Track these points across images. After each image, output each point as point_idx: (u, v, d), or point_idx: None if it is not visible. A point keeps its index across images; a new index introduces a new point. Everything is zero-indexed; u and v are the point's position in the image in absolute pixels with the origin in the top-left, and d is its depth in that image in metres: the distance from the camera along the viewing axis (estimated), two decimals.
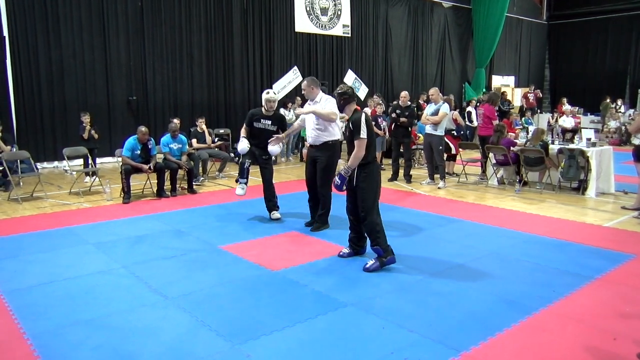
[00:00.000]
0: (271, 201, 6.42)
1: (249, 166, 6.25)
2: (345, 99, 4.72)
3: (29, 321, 3.56)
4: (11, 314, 3.70)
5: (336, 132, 5.86)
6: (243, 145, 6.13)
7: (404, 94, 9.25)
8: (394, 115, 9.04)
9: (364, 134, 4.48)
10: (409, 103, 9.22)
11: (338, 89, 4.85)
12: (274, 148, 6.17)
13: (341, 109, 4.80)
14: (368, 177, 4.59)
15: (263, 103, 6.25)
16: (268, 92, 6.34)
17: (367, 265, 4.59)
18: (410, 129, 9.15)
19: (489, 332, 3.39)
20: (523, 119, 14.76)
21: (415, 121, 9.76)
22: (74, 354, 3.14)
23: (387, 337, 3.34)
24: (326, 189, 5.77)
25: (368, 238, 4.75)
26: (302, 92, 6.00)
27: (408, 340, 3.29)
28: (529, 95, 18.59)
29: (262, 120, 6.22)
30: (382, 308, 3.78)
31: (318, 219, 5.95)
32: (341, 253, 4.99)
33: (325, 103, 5.70)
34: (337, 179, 4.66)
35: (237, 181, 6.36)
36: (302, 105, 9.05)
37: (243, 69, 13.78)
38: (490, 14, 19.10)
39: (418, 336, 3.34)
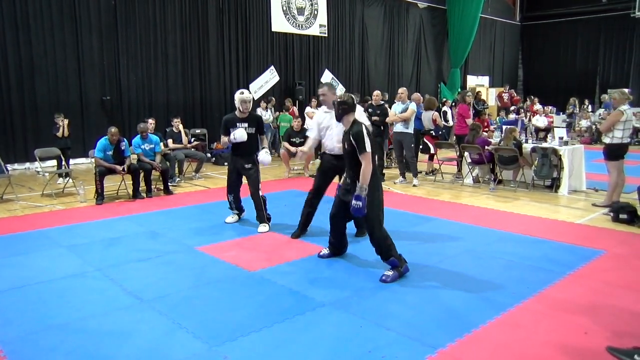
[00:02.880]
0: (257, 213, 5.93)
1: (234, 199, 6.11)
2: (344, 108, 4.42)
3: None
4: None
5: None
6: (240, 133, 5.73)
7: (376, 93, 9.42)
8: (366, 114, 9.14)
9: (368, 147, 4.22)
10: (382, 102, 9.34)
11: (338, 97, 4.59)
12: (266, 157, 5.75)
13: (339, 118, 4.51)
14: (370, 190, 4.30)
15: (237, 105, 5.85)
16: (242, 92, 5.92)
17: (384, 277, 4.31)
18: (383, 127, 9.23)
19: (464, 328, 3.44)
20: (497, 118, 15.01)
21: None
22: (48, 359, 3.08)
23: (365, 335, 3.36)
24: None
25: (379, 254, 4.44)
26: (319, 97, 5.52)
27: (385, 338, 3.32)
28: (503, 95, 18.89)
29: (238, 124, 5.84)
30: (360, 307, 3.80)
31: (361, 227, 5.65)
32: (321, 254, 4.99)
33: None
34: (356, 202, 4.22)
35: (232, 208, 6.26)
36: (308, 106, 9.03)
37: (219, 69, 13.67)
38: (464, 15, 19.35)
39: (395, 334, 3.36)
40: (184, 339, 3.33)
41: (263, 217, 5.92)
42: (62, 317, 3.64)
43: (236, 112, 5.93)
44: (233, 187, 6.07)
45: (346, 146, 4.41)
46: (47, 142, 9.14)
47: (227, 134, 5.82)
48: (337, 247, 4.96)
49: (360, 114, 4.89)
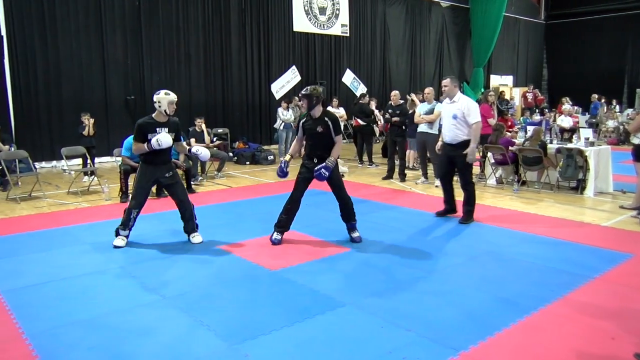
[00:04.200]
0: (189, 222, 5.46)
1: (137, 215, 5.29)
2: (316, 99, 5.19)
3: (27, 321, 3.56)
4: (10, 313, 3.69)
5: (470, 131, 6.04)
6: (165, 138, 5.10)
7: (394, 93, 9.49)
8: (387, 115, 9.24)
9: (341, 130, 5.21)
10: (400, 102, 9.34)
11: (305, 90, 5.28)
12: (205, 151, 5.57)
13: (311, 108, 5.23)
14: (336, 168, 5.38)
15: (164, 107, 5.17)
16: (169, 93, 5.25)
17: (357, 238, 5.42)
18: (404, 127, 9.22)
19: (487, 331, 3.39)
20: (521, 118, 14.78)
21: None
22: (71, 354, 3.13)
23: (385, 336, 3.33)
24: (471, 186, 6.20)
25: (350, 215, 5.45)
26: (443, 89, 6.21)
27: (406, 339, 3.29)
28: (527, 94, 18.60)
29: (158, 129, 5.16)
30: (380, 307, 3.77)
31: (466, 214, 6.22)
32: (274, 240, 5.33)
33: (470, 104, 6.04)
34: (324, 171, 5.10)
35: (117, 233, 5.30)
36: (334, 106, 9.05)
37: (241, 69, 13.76)
38: (488, 14, 19.12)
39: (416, 335, 3.34)
40: (205, 336, 3.35)
41: (196, 225, 5.50)
42: (85, 313, 3.70)
43: (154, 116, 5.23)
44: (143, 202, 5.31)
45: (320, 129, 5.18)
46: (73, 141, 9.31)
47: (144, 140, 5.11)
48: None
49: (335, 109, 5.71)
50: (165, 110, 5.20)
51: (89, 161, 9.10)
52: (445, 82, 6.22)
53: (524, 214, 6.75)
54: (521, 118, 14.76)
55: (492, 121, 9.27)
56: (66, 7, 10.78)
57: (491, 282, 4.30)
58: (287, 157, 5.42)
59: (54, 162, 10.95)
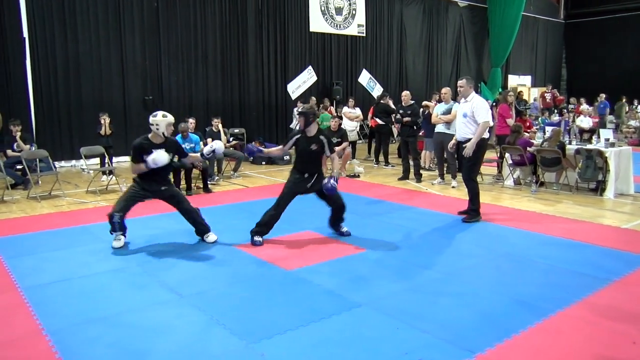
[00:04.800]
0: (201, 225, 5.49)
1: (121, 219, 5.19)
2: (313, 117, 5.39)
3: (47, 317, 3.61)
4: (30, 310, 3.76)
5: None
6: (161, 156, 5.12)
7: (405, 93, 9.51)
8: (398, 116, 9.23)
9: (334, 149, 5.49)
10: (411, 102, 9.34)
11: (301, 108, 5.55)
12: (217, 144, 5.55)
13: (307, 125, 5.37)
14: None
15: (162, 129, 5.18)
16: (166, 115, 5.22)
17: (347, 232, 5.66)
18: (415, 127, 9.20)
19: (503, 333, 3.36)
20: (540, 119, 14.60)
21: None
22: (90, 350, 3.17)
23: (401, 337, 3.32)
24: (471, 183, 6.31)
25: (340, 221, 5.69)
26: (458, 89, 6.39)
27: (422, 341, 3.28)
28: (545, 95, 18.38)
29: (153, 150, 5.15)
30: (396, 308, 3.76)
31: (471, 212, 6.32)
32: (257, 242, 5.34)
33: (479, 103, 6.19)
34: (333, 182, 5.24)
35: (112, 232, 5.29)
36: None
37: (257, 69, 13.82)
38: (506, 13, 18.94)
39: (431, 337, 3.32)
40: (222, 335, 3.37)
41: (207, 226, 5.51)
42: (103, 311, 3.75)
43: (150, 137, 5.23)
44: (129, 209, 5.27)
45: (315, 147, 5.34)
46: (92, 141, 9.43)
47: (140, 160, 5.14)
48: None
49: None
50: (163, 133, 5.21)
51: (107, 160, 9.22)
52: (461, 82, 6.37)
53: (542, 215, 6.67)
54: (539, 118, 14.58)
55: (511, 121, 9.19)
56: (86, 9, 10.93)
57: (508, 284, 4.26)
58: (266, 151, 5.89)
59: (73, 162, 11.11)
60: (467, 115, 6.24)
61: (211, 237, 5.50)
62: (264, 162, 11.53)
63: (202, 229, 5.50)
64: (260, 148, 5.74)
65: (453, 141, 6.65)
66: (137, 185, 5.31)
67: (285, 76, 14.26)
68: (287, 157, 11.59)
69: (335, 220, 5.69)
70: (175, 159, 5.63)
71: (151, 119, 5.22)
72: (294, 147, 5.54)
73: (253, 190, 8.46)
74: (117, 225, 5.18)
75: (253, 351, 3.16)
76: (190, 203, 5.51)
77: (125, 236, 5.34)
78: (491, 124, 10.19)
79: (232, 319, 3.60)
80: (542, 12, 22.32)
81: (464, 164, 6.44)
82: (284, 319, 3.58)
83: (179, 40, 12.29)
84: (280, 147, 5.83)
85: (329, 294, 4.05)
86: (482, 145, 6.24)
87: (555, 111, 16.61)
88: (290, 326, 3.47)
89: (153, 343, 3.26)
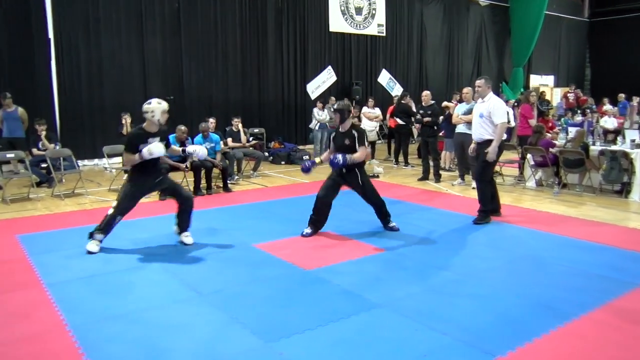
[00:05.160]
0: (188, 222, 5.44)
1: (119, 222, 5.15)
2: (348, 113, 5.60)
3: (70, 313, 3.68)
4: (54, 305, 3.83)
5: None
6: (157, 147, 5.00)
7: (426, 93, 9.52)
8: (418, 116, 9.19)
9: (364, 143, 5.61)
10: (432, 102, 9.30)
11: (337, 105, 5.67)
12: (201, 150, 5.54)
13: (342, 122, 5.60)
14: (365, 174, 5.79)
15: (157, 116, 5.07)
16: (161, 102, 5.17)
17: (392, 225, 5.84)
18: (436, 127, 9.15)
19: (525, 337, 3.31)
20: (562, 119, 14.38)
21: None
22: (111, 347, 3.22)
23: (420, 339, 3.30)
24: (483, 183, 6.26)
25: (386, 216, 5.86)
26: (476, 89, 6.35)
27: (441, 343, 3.25)
28: (568, 95, 18.09)
29: (149, 140, 5.05)
30: (415, 310, 3.74)
31: (480, 214, 6.25)
32: (304, 233, 5.64)
33: (496, 103, 6.14)
34: (340, 157, 5.44)
35: (91, 236, 5.10)
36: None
37: (277, 69, 13.87)
38: (528, 12, 18.68)
39: (451, 339, 3.29)
40: (240, 333, 3.39)
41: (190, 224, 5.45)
42: (124, 308, 3.80)
43: (145, 126, 5.12)
44: (129, 210, 5.21)
45: (348, 142, 5.55)
46: (114, 140, 9.57)
47: (135, 151, 4.98)
48: (318, 224, 5.76)
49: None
50: (158, 120, 5.08)
51: None
52: (479, 82, 6.33)
53: (564, 217, 6.57)
54: (562, 119, 14.35)
55: (533, 122, 9.07)
56: (109, 9, 11.09)
57: (530, 287, 4.20)
58: (318, 159, 5.90)
59: (96, 160, 11.27)
60: (484, 115, 6.19)
61: (189, 238, 5.38)
62: (283, 162, 11.57)
63: (187, 224, 5.40)
64: (314, 160, 5.88)
65: (473, 145, 6.56)
66: (131, 184, 5.16)
67: (304, 76, 14.28)
68: (306, 157, 11.62)
69: (380, 216, 5.89)
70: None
71: (145, 107, 5.09)
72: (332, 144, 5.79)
73: (272, 190, 8.50)
74: (109, 228, 5.09)
75: (272, 350, 3.17)
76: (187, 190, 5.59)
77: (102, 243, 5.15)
78: (512, 124, 10.01)
79: (251, 317, 3.62)
80: (565, 10, 21.96)
81: (478, 163, 6.38)
82: (303, 319, 3.59)
83: (199, 40, 12.40)
84: (328, 150, 5.95)
85: (347, 294, 4.05)
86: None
87: (579, 111, 16.33)
88: (309, 326, 3.47)
89: (173, 341, 3.29)
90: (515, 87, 19.26)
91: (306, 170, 5.79)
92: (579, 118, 14.32)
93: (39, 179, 8.45)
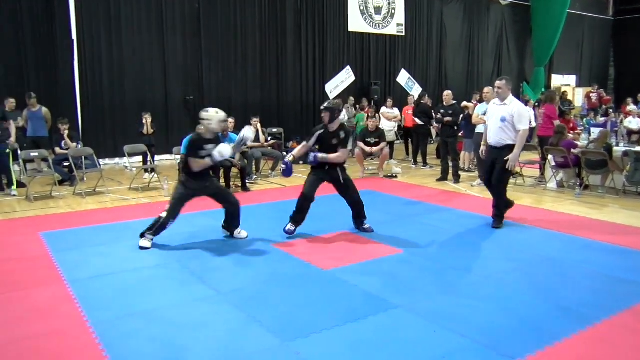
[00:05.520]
0: (237, 221, 5.61)
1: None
2: (338, 112, 5.64)
3: (91, 310, 3.73)
4: (76, 302, 3.89)
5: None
6: (226, 148, 5.27)
7: (447, 93, 9.37)
8: (439, 115, 9.11)
9: (346, 145, 5.64)
10: (453, 102, 9.20)
11: (327, 103, 5.69)
12: (225, 148, 5.33)
13: (332, 121, 5.58)
14: (346, 171, 5.78)
15: (214, 125, 5.28)
16: (218, 112, 5.33)
17: (366, 227, 5.79)
18: (456, 127, 9.07)
19: (546, 340, 3.27)
20: (584, 119, 14.16)
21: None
22: (131, 344, 3.26)
23: (438, 341, 3.28)
24: (501, 187, 6.01)
25: (362, 217, 5.84)
26: (496, 90, 5.98)
27: (459, 345, 3.22)
28: (591, 95, 17.79)
29: (205, 146, 5.27)
30: (433, 311, 3.71)
31: (496, 219, 6.05)
32: (287, 229, 5.64)
33: (520, 108, 5.83)
34: (312, 156, 5.56)
35: (143, 236, 5.30)
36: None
37: (295, 69, 13.91)
38: (550, 11, 18.39)
39: (470, 341, 3.26)
40: (258, 332, 3.41)
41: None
42: (144, 305, 3.85)
43: (201, 133, 5.38)
44: (178, 215, 5.35)
45: (335, 142, 5.58)
46: (135, 139, 9.70)
47: (198, 156, 5.20)
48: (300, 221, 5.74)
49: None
50: (214, 128, 5.31)
51: (149, 158, 9.45)
52: (500, 83, 5.95)
53: (586, 220, 6.46)
54: (584, 119, 14.13)
55: (556, 122, 8.93)
56: (130, 10, 11.25)
57: (551, 290, 4.14)
58: (291, 157, 5.78)
59: (117, 159, 11.44)
60: (506, 119, 5.80)
61: (243, 233, 5.64)
62: (301, 162, 11.57)
63: (236, 224, 5.58)
64: (287, 160, 5.75)
65: (484, 147, 6.33)
66: (183, 186, 5.32)
67: (323, 76, 14.28)
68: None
69: (357, 216, 5.85)
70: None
71: (203, 114, 5.31)
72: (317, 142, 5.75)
73: (290, 190, 8.50)
74: (161, 230, 5.26)
75: (289, 349, 3.18)
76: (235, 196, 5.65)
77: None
78: (533, 124, 9.89)
79: (269, 317, 3.63)
80: (588, 9, 21.58)
81: (496, 169, 5.91)
82: (320, 319, 3.59)
83: (218, 41, 12.49)
84: (304, 143, 5.93)
85: (365, 295, 4.04)
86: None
87: (600, 112, 16.07)
88: (326, 326, 3.47)
89: (191, 338, 3.32)
90: (536, 87, 19.00)
91: (287, 173, 5.74)
92: (601, 119, 14.09)
93: (61, 177, 8.60)
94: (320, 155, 5.58)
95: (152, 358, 3.10)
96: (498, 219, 6.08)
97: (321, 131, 5.67)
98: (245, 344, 3.26)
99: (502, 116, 5.85)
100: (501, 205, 6.09)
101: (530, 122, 12.04)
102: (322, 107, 5.70)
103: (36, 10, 10.28)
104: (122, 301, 3.92)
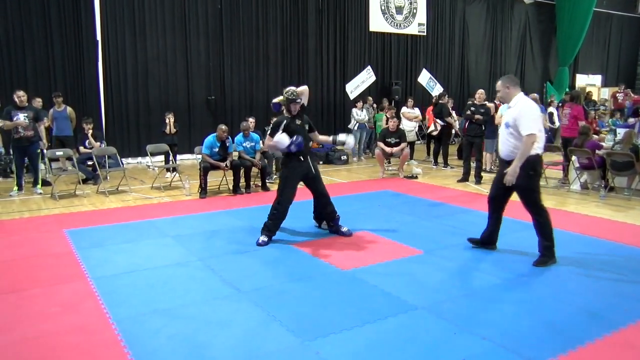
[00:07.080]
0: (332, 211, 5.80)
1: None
2: (299, 102, 5.53)
3: (114, 307, 3.79)
4: (99, 299, 3.96)
5: (535, 145, 4.59)
6: (280, 139, 5.41)
7: (480, 91, 9.27)
8: (468, 112, 8.99)
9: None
10: (485, 102, 9.09)
11: (288, 94, 5.49)
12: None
13: (291, 111, 5.51)
14: (315, 162, 5.73)
15: (304, 100, 5.70)
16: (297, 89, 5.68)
17: (345, 230, 5.64)
18: (483, 128, 8.97)
19: (569, 344, 3.21)
20: (610, 120, 13.88)
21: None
22: (152, 340, 3.30)
23: (459, 343, 3.25)
24: (542, 213, 4.78)
25: (333, 214, 5.71)
26: (497, 93, 4.94)
27: (480, 347, 3.19)
28: (617, 95, 17.44)
29: (291, 124, 5.54)
30: (453, 313, 3.68)
31: (545, 252, 4.76)
32: (260, 242, 5.36)
33: (522, 109, 4.61)
34: (295, 140, 5.35)
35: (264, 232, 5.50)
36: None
37: (317, 69, 13.93)
38: (576, 10, 18.07)
39: (491, 344, 3.22)
40: (278, 331, 3.42)
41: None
42: (166, 302, 3.89)
43: (286, 113, 5.65)
44: (294, 196, 5.71)
45: (299, 122, 5.56)
46: (157, 139, 9.83)
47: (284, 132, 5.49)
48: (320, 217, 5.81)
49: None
50: (296, 105, 5.53)
51: (171, 158, 9.56)
52: (497, 84, 4.87)
53: (611, 222, 6.33)
54: (610, 120, 13.85)
55: (582, 123, 8.77)
56: (154, 11, 11.40)
57: (575, 293, 4.07)
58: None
59: (139, 158, 11.60)
60: (510, 125, 4.65)
61: (344, 228, 5.71)
62: (321, 162, 11.59)
63: (330, 217, 5.72)
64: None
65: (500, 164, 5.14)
66: (296, 169, 5.57)
67: (344, 76, 14.27)
68: (344, 157, 11.59)
69: (329, 215, 5.75)
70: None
71: (294, 90, 5.54)
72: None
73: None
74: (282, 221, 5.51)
75: (308, 349, 3.18)
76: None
77: None
78: (557, 124, 9.64)
79: (289, 316, 3.64)
80: (616, 6, 21.14)
81: (518, 195, 4.88)
82: (340, 319, 3.59)
83: (241, 41, 12.59)
84: (268, 138, 5.74)
85: (384, 295, 4.02)
86: (534, 166, 4.65)
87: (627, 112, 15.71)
88: (346, 326, 3.47)
89: (212, 336, 3.35)
90: (560, 87, 18.68)
91: (299, 147, 5.48)
92: (631, 119, 13.79)
93: (85, 176, 8.75)
94: (322, 137, 5.87)
95: (173, 355, 3.13)
96: (545, 251, 4.77)
97: (285, 121, 5.54)
98: (265, 342, 3.27)
99: (506, 121, 4.75)
100: (546, 231, 4.77)
101: (553, 122, 11.84)
102: (297, 100, 5.54)
103: (63, 13, 10.47)
104: (144, 298, 3.97)
